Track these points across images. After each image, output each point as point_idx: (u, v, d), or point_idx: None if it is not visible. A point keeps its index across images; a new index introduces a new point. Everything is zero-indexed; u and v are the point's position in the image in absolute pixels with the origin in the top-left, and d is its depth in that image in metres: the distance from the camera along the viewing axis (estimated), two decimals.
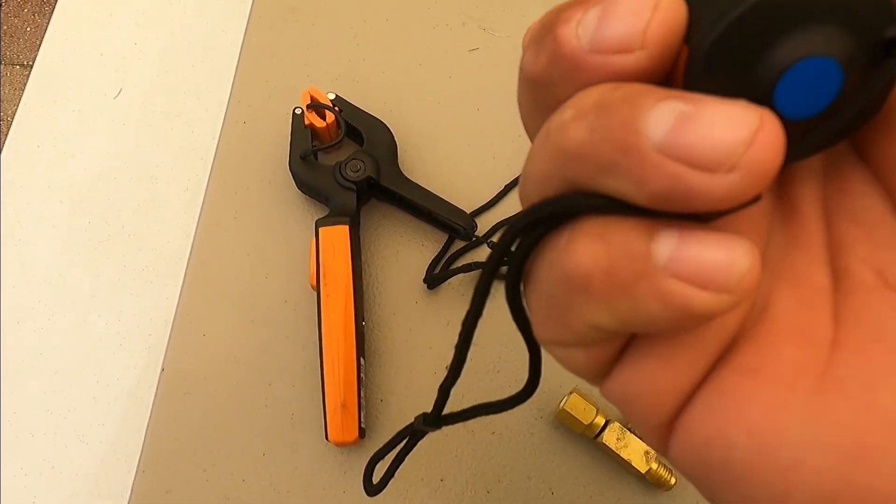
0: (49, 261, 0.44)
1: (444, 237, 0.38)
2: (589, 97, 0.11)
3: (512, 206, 0.39)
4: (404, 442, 0.20)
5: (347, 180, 0.37)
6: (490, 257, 0.13)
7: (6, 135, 0.47)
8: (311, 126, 0.38)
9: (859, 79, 0.11)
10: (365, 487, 0.22)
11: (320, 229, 0.36)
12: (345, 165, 0.37)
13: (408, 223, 0.39)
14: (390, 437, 0.20)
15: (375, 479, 0.22)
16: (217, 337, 0.37)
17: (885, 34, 0.11)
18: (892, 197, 0.13)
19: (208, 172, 0.42)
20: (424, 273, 0.37)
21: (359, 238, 0.37)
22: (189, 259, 0.39)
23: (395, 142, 0.39)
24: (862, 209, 0.13)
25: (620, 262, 0.11)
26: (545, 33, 0.12)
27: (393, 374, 0.36)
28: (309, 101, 0.39)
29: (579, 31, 0.11)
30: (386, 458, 0.22)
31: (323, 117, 0.39)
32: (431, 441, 0.29)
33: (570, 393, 0.33)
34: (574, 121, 0.11)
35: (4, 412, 0.40)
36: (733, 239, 0.11)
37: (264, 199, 0.39)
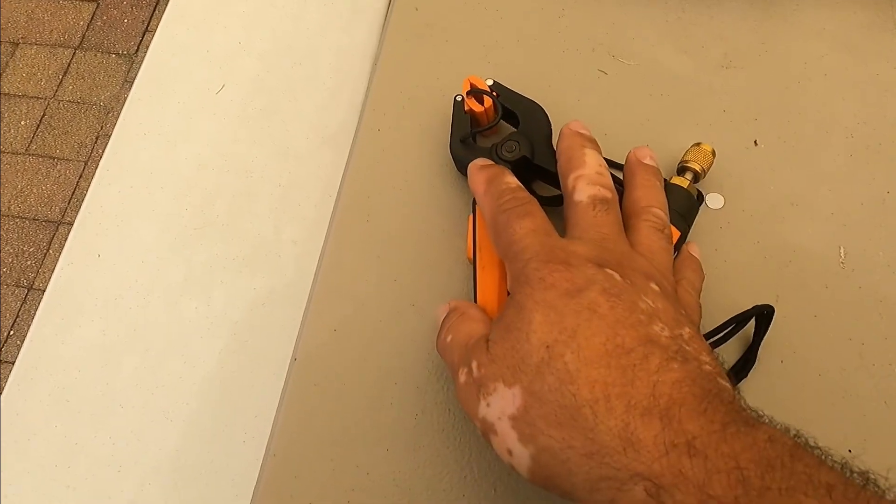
0: (147, 242, 0.45)
1: None
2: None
3: None
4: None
5: (503, 160, 0.37)
6: None
7: (116, 122, 0.50)
8: (471, 111, 0.39)
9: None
10: None
11: (477, 207, 0.36)
12: (500, 147, 0.38)
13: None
14: None
15: None
16: (347, 332, 0.37)
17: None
18: None
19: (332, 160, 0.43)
20: None
21: None
22: (321, 260, 0.40)
23: (549, 123, 0.39)
24: None
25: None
26: None
27: None
28: (469, 88, 0.39)
29: None
30: None
31: (481, 102, 0.39)
32: None
33: None
34: None
35: (97, 383, 0.42)
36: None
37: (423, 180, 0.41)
